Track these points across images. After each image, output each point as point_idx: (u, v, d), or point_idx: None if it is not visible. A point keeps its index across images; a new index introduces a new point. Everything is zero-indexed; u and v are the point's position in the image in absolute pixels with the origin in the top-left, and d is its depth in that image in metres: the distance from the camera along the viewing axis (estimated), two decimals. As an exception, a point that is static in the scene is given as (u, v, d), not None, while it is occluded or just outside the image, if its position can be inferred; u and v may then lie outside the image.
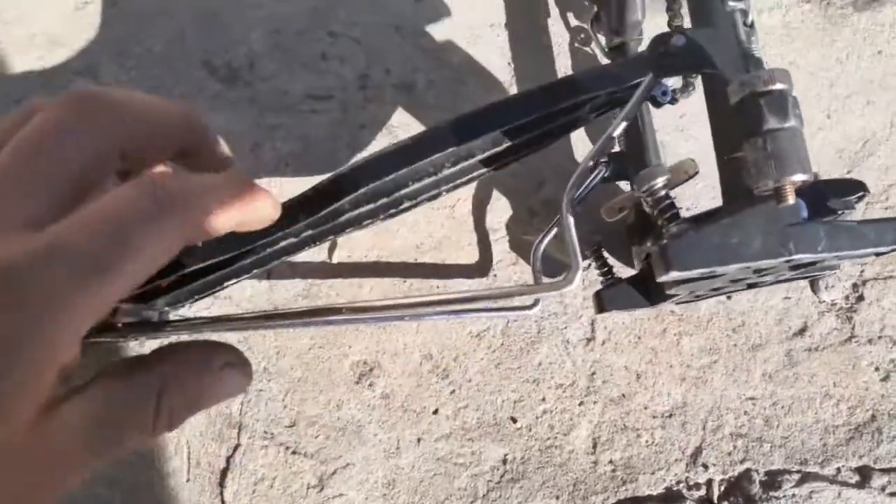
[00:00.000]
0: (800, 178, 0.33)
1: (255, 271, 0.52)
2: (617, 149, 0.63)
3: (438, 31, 0.66)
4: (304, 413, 0.57)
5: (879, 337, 0.65)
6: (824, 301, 0.66)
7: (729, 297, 0.65)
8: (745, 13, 0.36)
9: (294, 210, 0.46)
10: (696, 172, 0.45)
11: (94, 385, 0.24)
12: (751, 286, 0.51)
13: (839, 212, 0.43)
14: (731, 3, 0.36)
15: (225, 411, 0.56)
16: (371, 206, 0.50)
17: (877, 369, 0.64)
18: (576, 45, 0.68)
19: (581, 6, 0.69)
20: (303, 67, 0.63)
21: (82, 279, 0.22)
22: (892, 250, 0.39)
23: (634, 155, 0.59)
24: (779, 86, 0.34)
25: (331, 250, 0.60)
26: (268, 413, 0.57)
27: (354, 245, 0.60)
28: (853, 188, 0.43)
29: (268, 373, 0.57)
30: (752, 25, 0.36)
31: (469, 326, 0.60)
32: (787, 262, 0.37)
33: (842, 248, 0.36)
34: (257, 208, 0.28)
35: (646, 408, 0.61)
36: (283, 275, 0.59)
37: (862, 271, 0.67)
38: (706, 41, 0.39)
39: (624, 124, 0.39)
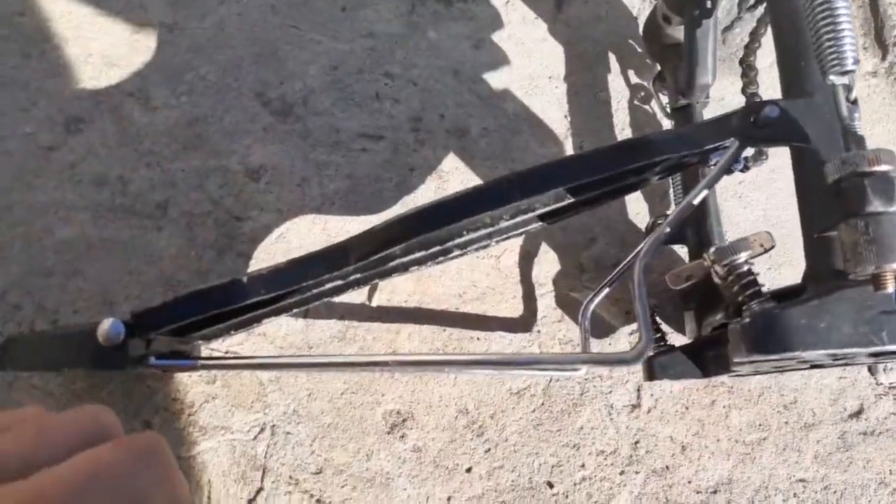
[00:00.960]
0: (904, 265, 0.31)
1: (295, 310, 0.51)
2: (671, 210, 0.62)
3: (496, 78, 0.65)
4: (332, 461, 0.54)
5: (939, 427, 0.62)
6: (882, 383, 0.63)
7: (782, 372, 0.63)
8: (848, 88, 0.34)
9: (345, 252, 0.45)
10: (773, 246, 0.42)
11: None
12: (815, 367, 0.48)
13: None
14: (832, 77, 0.34)
15: (250, 452, 0.54)
16: (422, 253, 0.48)
17: (933, 460, 0.61)
18: (635, 102, 0.67)
19: (643, 64, 0.68)
20: (356, 106, 0.62)
21: None
22: None
23: (695, 220, 0.57)
24: (885, 167, 0.32)
25: (371, 293, 0.58)
26: (294, 457, 0.54)
27: (395, 289, 0.58)
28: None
29: (297, 415, 0.55)
30: (855, 102, 0.34)
31: (509, 383, 0.58)
32: (876, 351, 0.35)
33: (938, 341, 0.34)
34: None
35: (689, 482, 0.58)
36: (319, 314, 0.57)
37: (919, 355, 0.64)
38: (801, 114, 0.37)
39: (705, 192, 0.38)
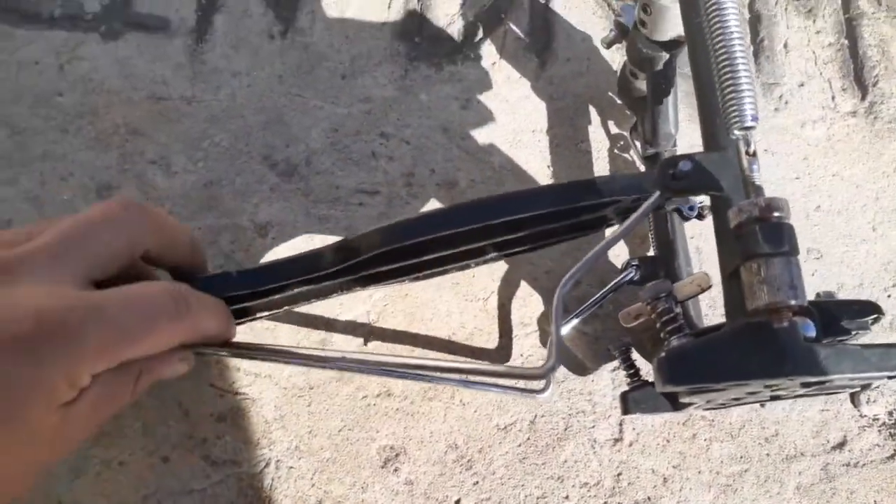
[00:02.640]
0: (792, 303, 0.35)
1: (281, 308, 0.54)
2: (651, 253, 0.65)
3: (482, 134, 0.70)
4: (331, 493, 0.59)
5: (923, 458, 0.62)
6: (865, 415, 0.64)
7: (763, 405, 0.65)
8: (747, 142, 0.38)
9: (316, 260, 0.48)
10: (710, 286, 0.46)
11: (96, 379, 0.32)
12: (775, 398, 0.51)
13: (853, 332, 0.44)
14: (736, 132, 0.38)
15: (257, 485, 0.59)
16: (390, 266, 0.51)
17: (923, 492, 0.62)
18: (615, 151, 0.71)
19: (622, 115, 0.72)
20: (354, 164, 0.68)
21: (108, 340, 0.31)
22: (904, 375, 0.39)
23: (665, 261, 0.60)
24: (776, 214, 0.35)
25: (366, 337, 0.63)
26: (296, 490, 0.59)
27: (386, 334, 0.63)
28: (868, 310, 0.44)
29: (299, 451, 0.60)
30: (754, 154, 0.38)
31: (496, 419, 0.62)
32: (791, 381, 0.38)
33: (843, 371, 0.37)
34: (229, 331, 0.41)
35: (671, 514, 0.60)
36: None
37: (908, 386, 0.66)
38: (713, 165, 0.41)
39: (621, 239, 0.42)
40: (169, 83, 0.71)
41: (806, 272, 0.69)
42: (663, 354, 0.38)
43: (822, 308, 0.42)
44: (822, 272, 0.70)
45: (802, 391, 0.45)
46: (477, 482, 0.60)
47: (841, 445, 0.63)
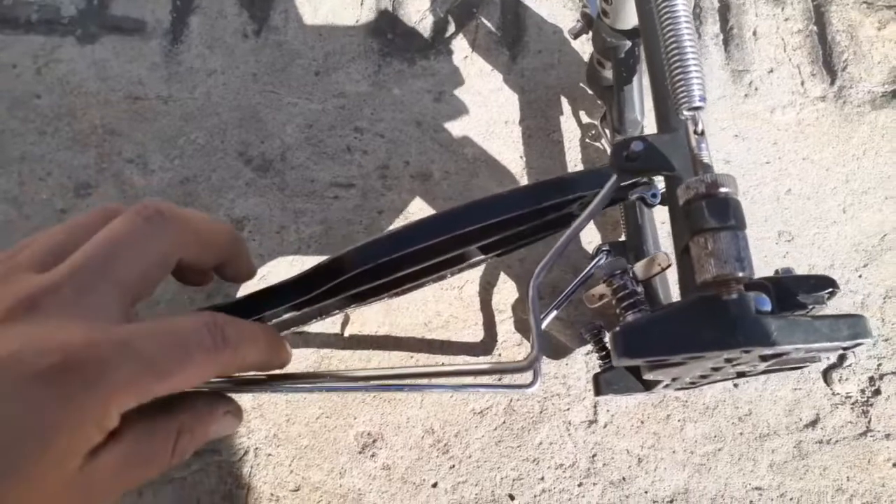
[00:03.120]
0: (739, 274, 0.36)
1: None
2: (622, 238, 0.66)
3: (456, 127, 0.71)
4: (309, 479, 0.60)
5: None
6: (838, 393, 0.65)
7: (736, 385, 0.66)
8: (695, 121, 0.39)
9: (294, 287, 0.50)
10: (669, 265, 0.47)
11: (125, 430, 0.30)
12: (741, 375, 0.52)
13: (809, 306, 0.45)
14: (685, 113, 0.39)
15: (236, 472, 0.60)
16: (368, 286, 0.53)
17: (894, 465, 0.63)
18: (587, 140, 0.72)
19: (593, 105, 0.73)
20: (329, 159, 0.69)
21: (139, 377, 0.28)
22: (855, 345, 0.40)
23: (634, 245, 0.61)
24: (722, 190, 0.36)
25: (343, 325, 0.64)
26: (275, 476, 0.60)
27: (366, 320, 0.64)
28: (823, 284, 0.45)
29: (277, 439, 0.60)
30: (702, 133, 0.39)
31: (472, 404, 0.63)
32: (746, 352, 0.39)
33: (795, 341, 0.38)
34: (279, 357, 0.37)
35: (646, 492, 0.61)
36: (297, 346, 0.63)
37: (879, 365, 0.67)
38: (665, 146, 0.42)
39: (586, 224, 0.43)
40: (145, 83, 0.72)
41: (777, 254, 0.71)
42: (618, 329, 0.39)
43: (778, 283, 0.43)
44: (794, 254, 0.71)
45: (764, 366, 0.46)
46: (454, 465, 0.61)
47: (814, 423, 0.64)
